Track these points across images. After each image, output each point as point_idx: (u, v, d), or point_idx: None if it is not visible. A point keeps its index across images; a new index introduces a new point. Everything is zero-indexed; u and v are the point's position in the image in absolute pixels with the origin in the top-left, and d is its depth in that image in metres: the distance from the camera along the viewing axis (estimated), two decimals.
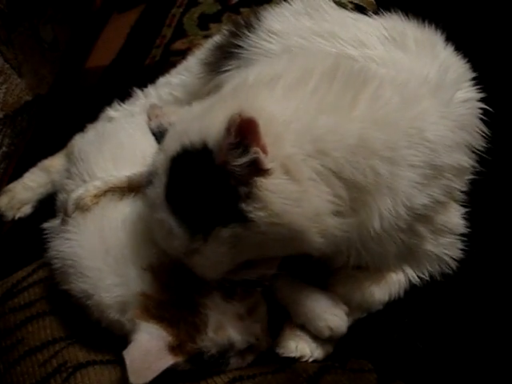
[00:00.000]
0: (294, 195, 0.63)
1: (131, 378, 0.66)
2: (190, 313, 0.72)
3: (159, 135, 0.76)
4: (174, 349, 0.70)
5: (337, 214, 0.66)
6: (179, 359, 0.70)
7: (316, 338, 0.79)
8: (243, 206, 0.63)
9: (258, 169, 0.62)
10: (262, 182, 0.63)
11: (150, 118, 0.79)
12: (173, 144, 0.68)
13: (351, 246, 0.73)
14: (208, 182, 0.64)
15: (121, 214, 0.81)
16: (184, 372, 0.74)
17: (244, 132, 0.60)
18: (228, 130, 0.60)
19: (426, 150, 0.71)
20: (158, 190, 0.68)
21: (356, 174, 0.66)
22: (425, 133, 0.72)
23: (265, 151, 0.62)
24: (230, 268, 0.70)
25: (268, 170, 0.63)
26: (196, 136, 0.65)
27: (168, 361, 0.69)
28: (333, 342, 0.81)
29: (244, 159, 0.62)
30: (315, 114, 0.67)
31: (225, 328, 0.72)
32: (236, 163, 0.62)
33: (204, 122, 0.66)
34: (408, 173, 0.70)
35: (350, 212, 0.68)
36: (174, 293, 0.73)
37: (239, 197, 0.63)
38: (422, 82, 0.77)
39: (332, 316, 0.78)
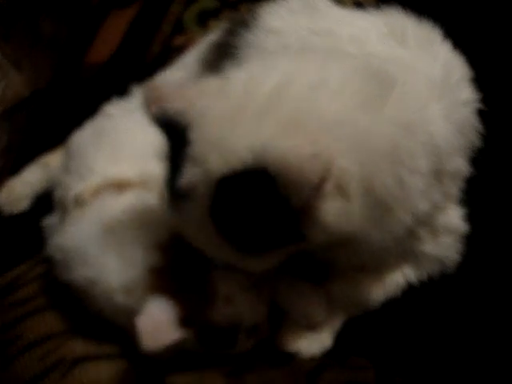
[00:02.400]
0: (347, 210, 0.62)
1: (144, 343, 0.65)
2: (199, 285, 0.72)
3: (164, 124, 0.65)
4: (184, 322, 0.70)
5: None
6: (189, 333, 0.70)
7: (313, 333, 0.80)
8: (302, 229, 0.61)
9: (317, 194, 0.59)
10: (320, 205, 0.60)
11: (149, 104, 0.65)
12: (214, 161, 0.60)
13: (347, 251, 0.72)
14: (266, 207, 0.59)
15: (122, 204, 0.82)
16: (189, 355, 0.74)
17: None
18: (317, 185, 0.57)
19: (434, 158, 0.70)
20: (200, 209, 0.62)
21: (382, 187, 0.64)
22: (435, 138, 0.70)
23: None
24: None
25: (326, 192, 0.60)
26: (247, 154, 0.58)
27: (178, 333, 0.69)
28: (330, 337, 0.81)
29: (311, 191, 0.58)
30: (357, 115, 0.64)
31: (234, 300, 0.72)
32: (302, 195, 0.58)
33: (253, 135, 0.59)
34: (418, 182, 0.68)
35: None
36: (182, 267, 0.73)
37: (298, 220, 0.60)
38: (430, 83, 0.76)
39: (308, 304, 0.79)
